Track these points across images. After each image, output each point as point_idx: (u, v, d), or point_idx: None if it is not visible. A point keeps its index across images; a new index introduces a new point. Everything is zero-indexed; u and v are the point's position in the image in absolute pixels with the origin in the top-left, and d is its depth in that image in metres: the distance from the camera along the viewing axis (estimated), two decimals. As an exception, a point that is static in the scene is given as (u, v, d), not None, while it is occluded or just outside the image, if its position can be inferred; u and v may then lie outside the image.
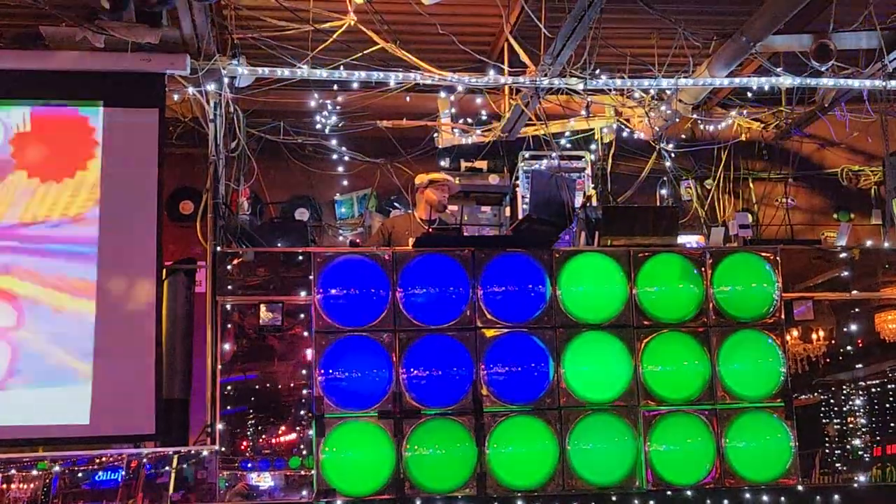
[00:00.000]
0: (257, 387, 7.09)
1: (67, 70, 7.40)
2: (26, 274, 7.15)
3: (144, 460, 6.73)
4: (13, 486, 6.57)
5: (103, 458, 6.72)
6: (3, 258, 7.16)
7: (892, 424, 7.61)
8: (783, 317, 7.37)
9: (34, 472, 6.61)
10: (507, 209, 9.89)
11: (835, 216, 10.62)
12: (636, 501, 6.94)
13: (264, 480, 6.82)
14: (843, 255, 7.87)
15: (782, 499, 7.07)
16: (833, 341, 7.71)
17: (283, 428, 7.01)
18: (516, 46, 8.33)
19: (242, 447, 6.92)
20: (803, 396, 7.55)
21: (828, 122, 9.94)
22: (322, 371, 6.84)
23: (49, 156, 7.34)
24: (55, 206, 7.29)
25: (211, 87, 7.78)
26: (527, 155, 9.90)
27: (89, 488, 6.66)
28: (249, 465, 6.84)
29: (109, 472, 6.68)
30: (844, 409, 7.68)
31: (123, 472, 6.68)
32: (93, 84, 7.43)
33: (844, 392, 7.72)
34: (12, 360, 7.01)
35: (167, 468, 6.73)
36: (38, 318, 7.10)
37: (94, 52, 7.30)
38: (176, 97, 7.99)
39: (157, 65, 7.44)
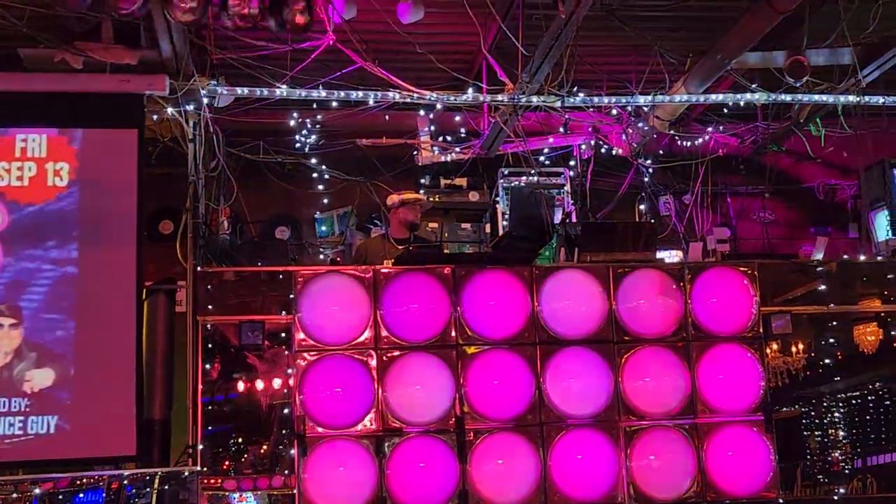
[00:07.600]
0: (239, 406, 7.08)
1: (46, 92, 7.39)
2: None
3: (125, 482, 6.69)
4: (-7, 509, 6.53)
5: (84, 480, 6.67)
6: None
7: (872, 436, 7.67)
8: (762, 330, 7.42)
9: (14, 496, 6.56)
10: (488, 226, 9.91)
11: (811, 230, 10.68)
12: (619, 516, 6.97)
13: (247, 500, 6.80)
14: (820, 268, 7.93)
15: (763, 512, 7.11)
16: (812, 354, 7.77)
17: (265, 447, 7.01)
18: (494, 65, 8.38)
19: (224, 467, 6.91)
20: (784, 409, 7.59)
21: (803, 137, 10.02)
22: (304, 390, 6.83)
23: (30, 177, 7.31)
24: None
25: (190, 107, 7.80)
26: (506, 171, 9.93)
27: (70, 510, 6.62)
28: (232, 485, 6.81)
29: (90, 494, 6.64)
30: (825, 421, 7.73)
31: (104, 494, 6.64)
32: (71, 105, 7.42)
33: (825, 404, 7.77)
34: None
35: (148, 489, 6.70)
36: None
37: (73, 73, 7.30)
38: (155, 118, 7.98)
39: (136, 86, 7.46)
